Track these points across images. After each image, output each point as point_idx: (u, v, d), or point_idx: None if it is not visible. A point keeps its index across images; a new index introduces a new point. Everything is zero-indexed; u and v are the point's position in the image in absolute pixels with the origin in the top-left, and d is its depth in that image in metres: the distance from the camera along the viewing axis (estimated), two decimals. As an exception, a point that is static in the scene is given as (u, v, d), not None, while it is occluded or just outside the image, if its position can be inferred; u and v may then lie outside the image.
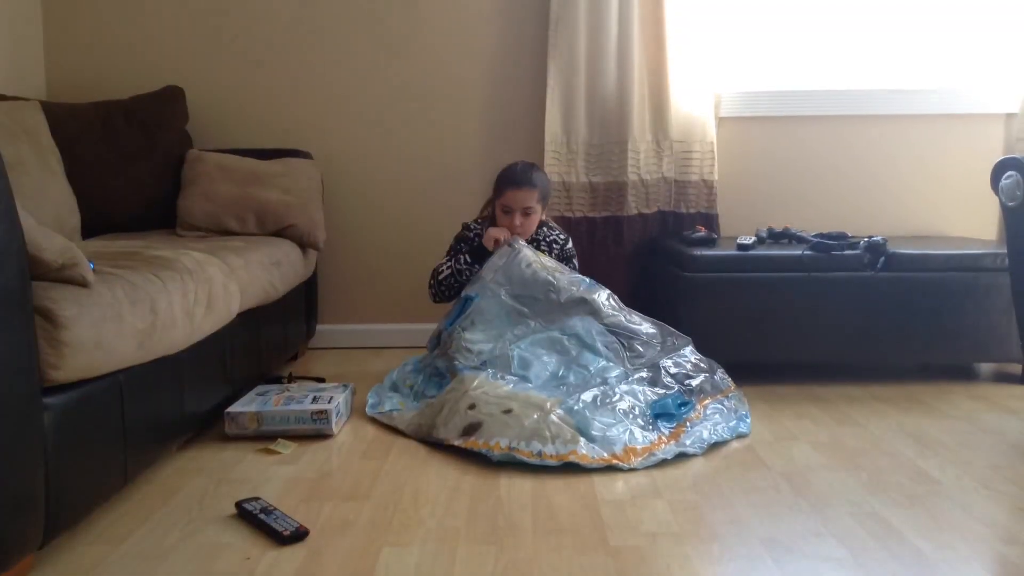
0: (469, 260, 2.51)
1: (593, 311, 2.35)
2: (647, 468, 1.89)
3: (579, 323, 2.32)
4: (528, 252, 2.43)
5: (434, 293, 2.56)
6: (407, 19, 2.99)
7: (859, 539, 1.53)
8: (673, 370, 2.25)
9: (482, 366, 2.20)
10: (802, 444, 2.06)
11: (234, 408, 2.08)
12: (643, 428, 2.01)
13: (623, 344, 2.30)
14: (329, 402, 2.10)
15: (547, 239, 2.59)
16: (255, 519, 1.56)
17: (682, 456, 1.95)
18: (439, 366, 2.33)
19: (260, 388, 2.26)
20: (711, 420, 2.12)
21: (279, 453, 1.98)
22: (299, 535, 1.50)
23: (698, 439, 2.01)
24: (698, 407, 2.15)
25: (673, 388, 2.18)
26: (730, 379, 2.36)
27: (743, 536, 1.55)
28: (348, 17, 2.99)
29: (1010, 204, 2.10)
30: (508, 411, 1.97)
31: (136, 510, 1.66)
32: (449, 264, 2.53)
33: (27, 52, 2.90)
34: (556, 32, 2.88)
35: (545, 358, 2.23)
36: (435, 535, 1.55)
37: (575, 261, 2.64)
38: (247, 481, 1.81)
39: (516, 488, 1.77)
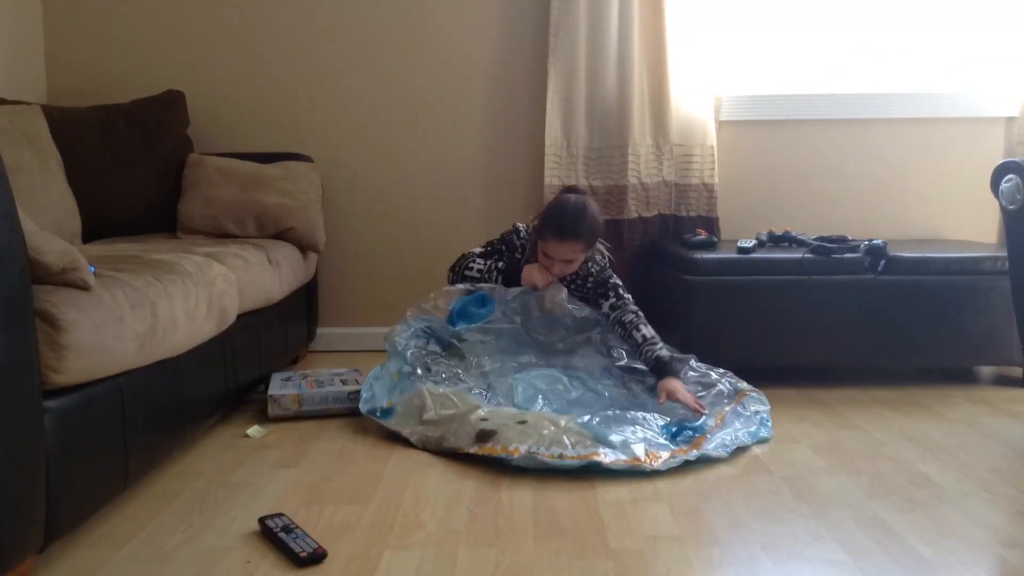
0: (499, 279, 2.44)
1: (598, 352, 2.38)
2: (669, 469, 1.87)
3: (580, 362, 2.34)
4: (551, 291, 2.39)
5: (454, 278, 2.49)
6: (408, 24, 3.00)
7: (860, 543, 1.53)
8: None
9: (483, 392, 2.17)
10: (802, 448, 2.06)
11: (275, 391, 2.26)
12: (661, 439, 1.98)
13: (627, 380, 2.31)
14: (358, 383, 2.34)
15: (583, 272, 2.45)
16: (275, 537, 1.51)
17: (704, 459, 1.93)
18: (439, 333, 2.29)
19: (281, 374, 2.43)
20: (731, 427, 2.09)
21: (253, 438, 2.12)
22: (316, 558, 1.45)
23: (720, 444, 1.99)
24: (714, 421, 2.12)
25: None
26: (741, 381, 2.34)
27: (744, 540, 1.55)
28: (349, 22, 3.00)
29: (1010, 207, 2.10)
30: (523, 422, 1.96)
31: (137, 514, 1.66)
32: (486, 266, 2.46)
33: (28, 56, 2.91)
34: (556, 36, 2.88)
35: (549, 394, 2.21)
36: (436, 538, 1.55)
37: (612, 281, 2.43)
38: (248, 484, 1.81)
39: (517, 491, 1.77)
